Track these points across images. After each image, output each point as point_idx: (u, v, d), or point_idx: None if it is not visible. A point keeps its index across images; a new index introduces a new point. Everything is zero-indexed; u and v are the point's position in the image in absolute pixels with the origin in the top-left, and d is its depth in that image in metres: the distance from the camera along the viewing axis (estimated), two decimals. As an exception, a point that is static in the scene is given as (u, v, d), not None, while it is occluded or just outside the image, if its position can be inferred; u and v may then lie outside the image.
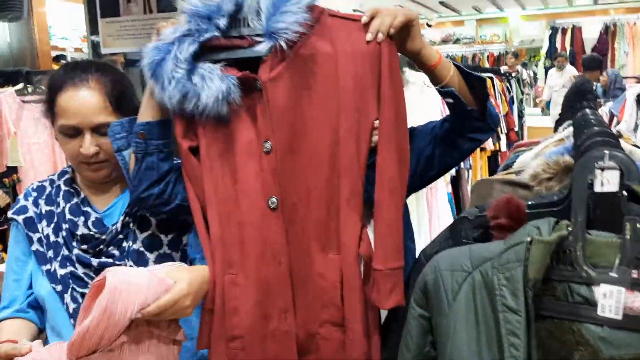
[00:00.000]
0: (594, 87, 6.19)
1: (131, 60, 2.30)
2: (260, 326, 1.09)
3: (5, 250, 3.55)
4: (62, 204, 1.22)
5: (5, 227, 3.49)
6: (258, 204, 1.08)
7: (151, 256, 1.20)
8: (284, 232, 1.08)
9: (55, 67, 4.27)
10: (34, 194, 1.26)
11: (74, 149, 1.15)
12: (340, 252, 1.09)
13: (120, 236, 1.20)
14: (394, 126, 1.07)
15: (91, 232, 1.19)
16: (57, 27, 4.64)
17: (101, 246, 1.18)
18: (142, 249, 1.20)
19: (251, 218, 1.09)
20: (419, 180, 1.22)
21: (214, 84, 1.02)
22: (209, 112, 1.04)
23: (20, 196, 1.27)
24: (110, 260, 1.18)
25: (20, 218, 1.22)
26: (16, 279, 1.25)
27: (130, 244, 1.19)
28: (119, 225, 1.19)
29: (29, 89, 3.45)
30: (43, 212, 1.23)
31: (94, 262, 1.18)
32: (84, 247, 1.18)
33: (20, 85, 3.41)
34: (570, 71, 7.97)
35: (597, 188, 0.78)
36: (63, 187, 1.25)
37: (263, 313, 1.09)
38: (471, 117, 1.14)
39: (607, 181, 0.77)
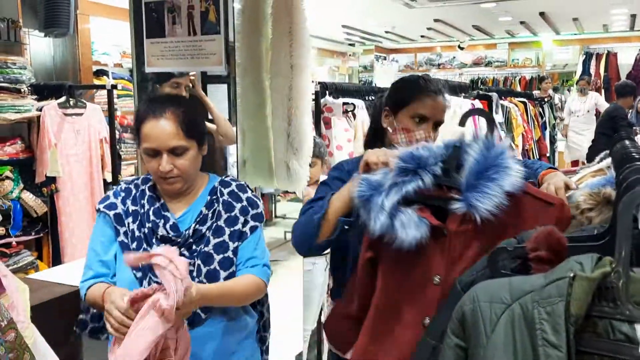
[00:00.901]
0: (628, 114, 6.09)
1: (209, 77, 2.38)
2: None
3: (40, 257, 3.66)
4: (146, 206, 1.47)
5: (42, 234, 3.61)
6: (415, 320, 1.22)
7: (217, 257, 1.43)
8: None
9: (97, 81, 4.42)
10: (122, 194, 1.50)
11: (155, 166, 1.41)
12: None
13: (190, 240, 1.43)
14: None
15: (169, 234, 1.43)
16: (99, 43, 4.78)
17: (175, 246, 1.35)
18: (211, 251, 1.43)
19: (405, 333, 1.22)
20: None
21: (411, 231, 1.17)
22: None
23: (110, 193, 1.52)
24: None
25: (110, 213, 1.47)
26: (101, 260, 1.46)
27: (202, 247, 1.43)
28: (190, 230, 1.43)
29: (71, 102, 3.58)
30: (130, 210, 1.47)
31: None
32: (162, 245, 1.40)
33: (62, 99, 3.54)
34: (595, 97, 7.84)
35: (642, 226, 0.78)
36: (147, 192, 1.49)
37: None
38: None
39: (652, 219, 0.77)
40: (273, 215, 7.18)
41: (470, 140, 1.25)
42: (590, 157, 5.60)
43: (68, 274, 2.06)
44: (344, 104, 3.28)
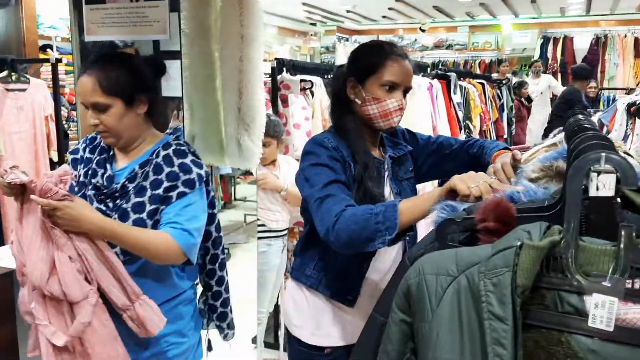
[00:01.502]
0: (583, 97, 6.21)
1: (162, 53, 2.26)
2: None
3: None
4: (96, 155, 1.56)
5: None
6: None
7: (133, 216, 1.45)
8: None
9: (42, 56, 4.18)
10: (87, 142, 1.61)
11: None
12: None
13: (117, 194, 1.48)
14: None
15: (100, 184, 1.50)
16: (46, 16, 4.53)
17: (102, 197, 1.49)
18: (129, 209, 1.45)
19: None
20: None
21: None
22: None
23: (81, 140, 1.65)
24: (103, 208, 1.47)
25: (70, 157, 1.61)
26: None
27: (123, 203, 1.46)
28: (119, 185, 1.48)
29: (13, 77, 3.37)
30: (85, 157, 1.58)
31: (94, 204, 1.47)
32: (93, 192, 1.50)
33: (4, 73, 3.33)
34: (548, 79, 7.98)
35: (592, 192, 0.74)
36: (103, 143, 1.56)
37: None
38: None
39: (603, 185, 0.74)
40: (232, 198, 7.06)
41: None
42: (546, 136, 5.69)
43: (7, 254, 1.95)
44: (302, 81, 3.19)
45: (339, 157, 1.42)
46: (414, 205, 1.23)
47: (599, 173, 0.74)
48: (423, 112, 3.50)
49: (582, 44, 9.93)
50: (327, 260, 1.50)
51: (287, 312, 1.62)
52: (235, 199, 7.16)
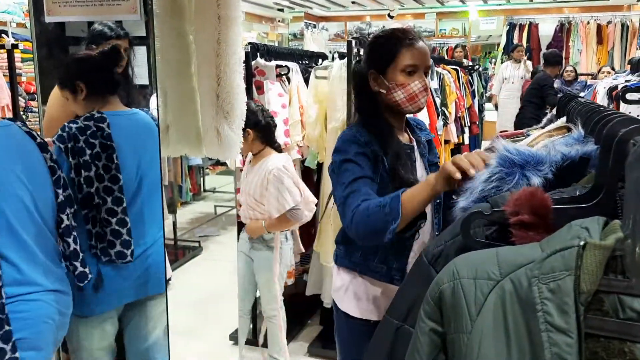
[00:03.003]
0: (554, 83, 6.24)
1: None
2: None
3: None
4: None
5: None
6: None
7: None
8: None
9: (-6, 42, 3.90)
10: None
11: None
12: None
13: None
14: None
15: None
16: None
17: None
18: None
19: None
20: None
21: None
22: None
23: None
24: None
25: None
26: None
27: None
28: None
29: (-37, 65, 3.14)
30: None
31: None
32: None
33: (-48, 60, 3.10)
34: (529, 64, 8.04)
35: (656, 182, 0.65)
36: None
37: None
38: None
39: (669, 173, 0.64)
40: (202, 189, 6.86)
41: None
42: (518, 125, 5.69)
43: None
44: (278, 66, 3.05)
45: (369, 152, 1.46)
46: (412, 194, 1.29)
47: (664, 160, 0.64)
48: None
49: (547, 31, 10.04)
50: (369, 247, 1.56)
51: (336, 290, 1.67)
52: (204, 190, 6.97)
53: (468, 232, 0.85)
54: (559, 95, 5.63)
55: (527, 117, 5.41)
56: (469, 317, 0.70)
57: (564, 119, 1.60)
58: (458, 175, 1.14)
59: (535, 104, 5.49)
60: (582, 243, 0.62)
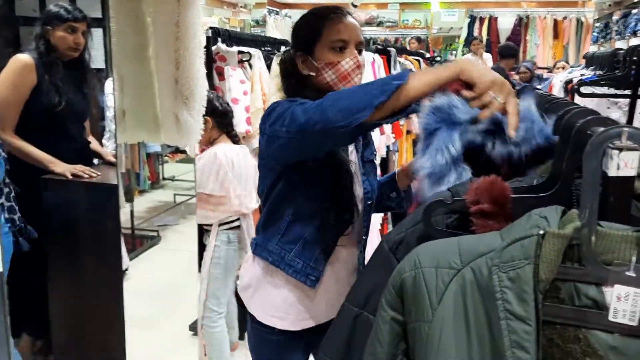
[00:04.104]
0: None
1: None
2: None
3: None
4: None
5: None
6: None
7: None
8: None
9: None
10: None
11: None
12: None
13: None
14: None
15: None
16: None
17: None
18: None
19: None
20: None
21: None
22: None
23: None
24: None
25: None
26: None
27: None
28: None
29: None
30: None
31: None
32: None
33: None
34: (487, 57, 8.16)
35: (612, 172, 0.66)
36: None
37: None
38: None
39: (625, 164, 0.66)
40: (160, 177, 6.72)
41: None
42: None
43: None
44: (240, 52, 3.00)
45: None
46: (422, 75, 1.06)
47: (620, 150, 0.66)
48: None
49: (506, 24, 10.24)
50: (291, 234, 1.40)
51: (244, 288, 1.52)
52: (163, 179, 6.82)
53: (429, 220, 0.85)
54: (516, 88, 5.75)
55: None
56: (430, 306, 0.70)
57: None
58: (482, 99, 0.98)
59: None
60: (541, 232, 0.62)
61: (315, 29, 1.36)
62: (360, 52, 1.39)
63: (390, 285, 0.76)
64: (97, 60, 2.54)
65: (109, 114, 2.76)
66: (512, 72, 7.42)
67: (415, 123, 4.64)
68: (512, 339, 0.61)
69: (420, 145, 1.00)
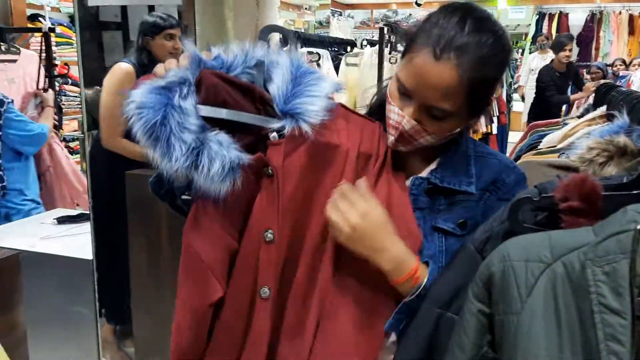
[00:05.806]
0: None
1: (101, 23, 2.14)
2: None
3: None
4: None
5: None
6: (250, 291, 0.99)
7: None
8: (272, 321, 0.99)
9: (31, 26, 3.99)
10: None
11: None
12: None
13: None
14: None
15: None
16: (34, -15, 4.33)
17: None
18: None
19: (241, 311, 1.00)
20: None
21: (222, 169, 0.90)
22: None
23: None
24: None
25: None
26: None
27: None
28: None
29: (2, 48, 3.21)
30: None
31: None
32: None
33: (-7, 43, 3.17)
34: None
35: None
36: None
37: None
38: None
39: None
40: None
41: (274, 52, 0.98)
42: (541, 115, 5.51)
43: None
44: (309, 53, 3.07)
45: None
46: None
47: None
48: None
49: (577, 21, 9.85)
50: None
51: None
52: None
53: (516, 217, 0.86)
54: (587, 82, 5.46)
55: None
56: (519, 299, 0.72)
57: (603, 108, 1.60)
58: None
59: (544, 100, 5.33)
60: (638, 227, 0.63)
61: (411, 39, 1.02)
62: (433, 118, 1.00)
63: (477, 278, 0.78)
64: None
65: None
66: (583, 71, 7.12)
67: (481, 122, 4.55)
68: (607, 332, 0.62)
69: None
